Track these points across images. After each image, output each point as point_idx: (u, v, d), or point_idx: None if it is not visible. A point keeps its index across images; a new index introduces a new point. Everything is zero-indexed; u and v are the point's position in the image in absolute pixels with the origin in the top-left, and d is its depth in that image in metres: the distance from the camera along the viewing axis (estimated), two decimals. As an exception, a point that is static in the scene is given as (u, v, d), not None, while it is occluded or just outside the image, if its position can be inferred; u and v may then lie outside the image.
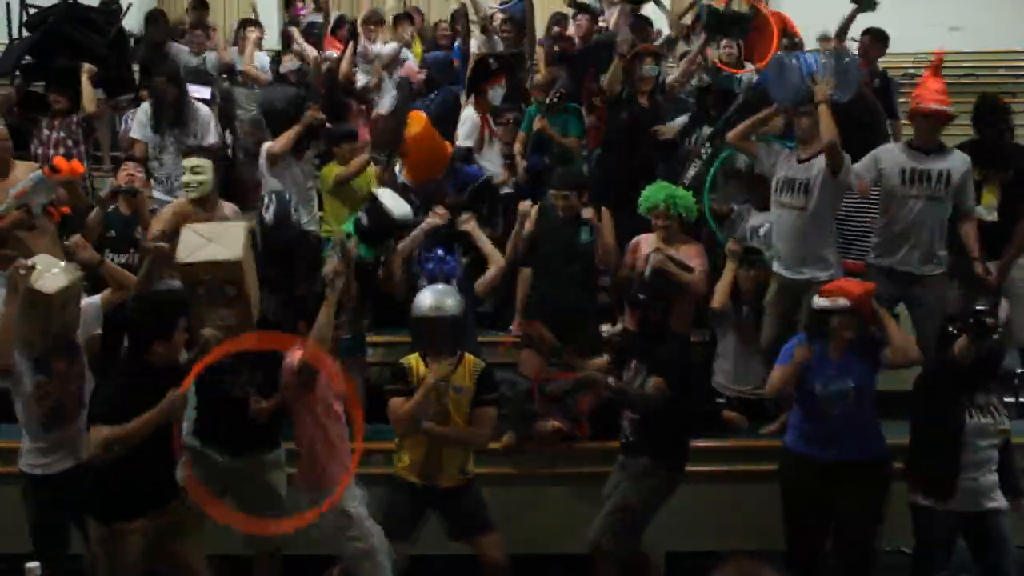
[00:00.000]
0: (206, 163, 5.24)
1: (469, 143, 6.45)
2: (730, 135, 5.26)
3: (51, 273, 4.03)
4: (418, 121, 6.20)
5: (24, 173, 5.01)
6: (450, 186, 6.24)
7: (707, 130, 6.06)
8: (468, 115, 6.59)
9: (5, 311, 4.18)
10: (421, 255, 5.35)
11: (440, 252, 5.27)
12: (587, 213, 5.22)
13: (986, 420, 4.21)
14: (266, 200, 5.13)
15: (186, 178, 5.20)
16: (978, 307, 4.27)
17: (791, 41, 7.47)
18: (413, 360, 4.41)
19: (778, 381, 4.33)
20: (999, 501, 4.25)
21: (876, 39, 7.47)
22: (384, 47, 8.15)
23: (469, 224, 5.39)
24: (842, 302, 4.18)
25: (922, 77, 5.21)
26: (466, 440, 4.38)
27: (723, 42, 7.63)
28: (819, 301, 4.27)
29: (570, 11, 7.91)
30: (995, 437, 4.23)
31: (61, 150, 6.30)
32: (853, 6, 7.13)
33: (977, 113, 5.48)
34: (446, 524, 4.48)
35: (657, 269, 4.97)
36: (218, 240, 4.08)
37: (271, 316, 4.40)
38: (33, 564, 3.27)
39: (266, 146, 6.05)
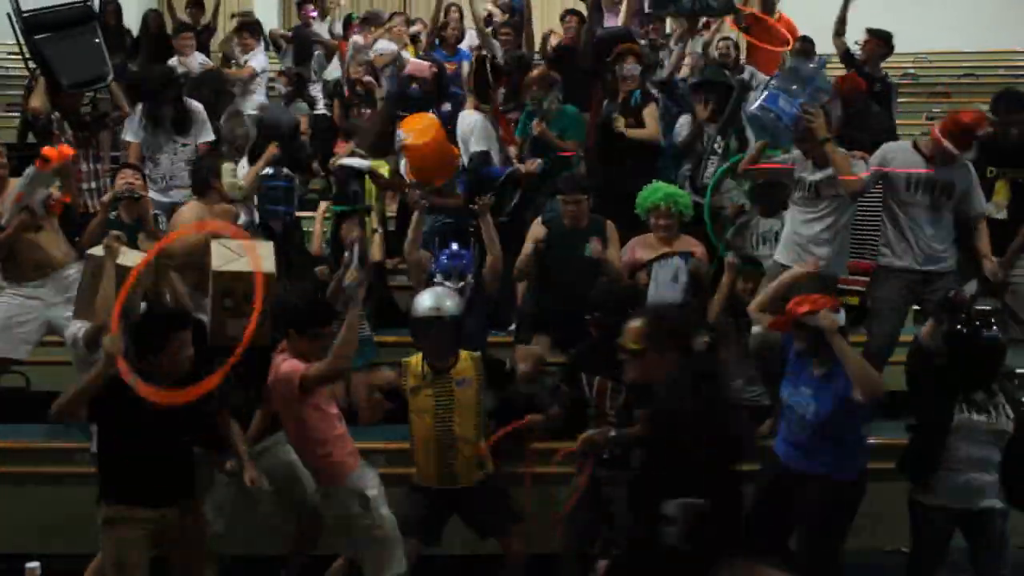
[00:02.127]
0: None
1: (484, 147, 6.31)
2: (740, 168, 5.24)
3: (128, 253, 4.34)
4: (430, 128, 6.18)
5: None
6: (461, 185, 6.21)
7: (711, 126, 6.07)
8: (474, 120, 6.45)
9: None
10: (435, 250, 5.34)
11: (454, 247, 5.25)
12: (596, 248, 5.21)
13: (979, 418, 4.14)
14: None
15: (238, 180, 5.24)
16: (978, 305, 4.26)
17: (802, 45, 7.48)
18: (414, 360, 4.41)
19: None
20: (995, 502, 4.20)
21: (879, 39, 7.45)
22: (382, 47, 8.16)
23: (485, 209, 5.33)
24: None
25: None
26: None
27: (718, 39, 7.67)
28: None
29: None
30: (990, 436, 4.16)
31: (88, 149, 6.27)
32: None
33: (996, 107, 5.37)
34: (472, 526, 4.49)
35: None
36: (249, 254, 4.23)
37: None
38: (33, 564, 3.27)
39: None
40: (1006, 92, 5.67)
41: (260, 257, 4.22)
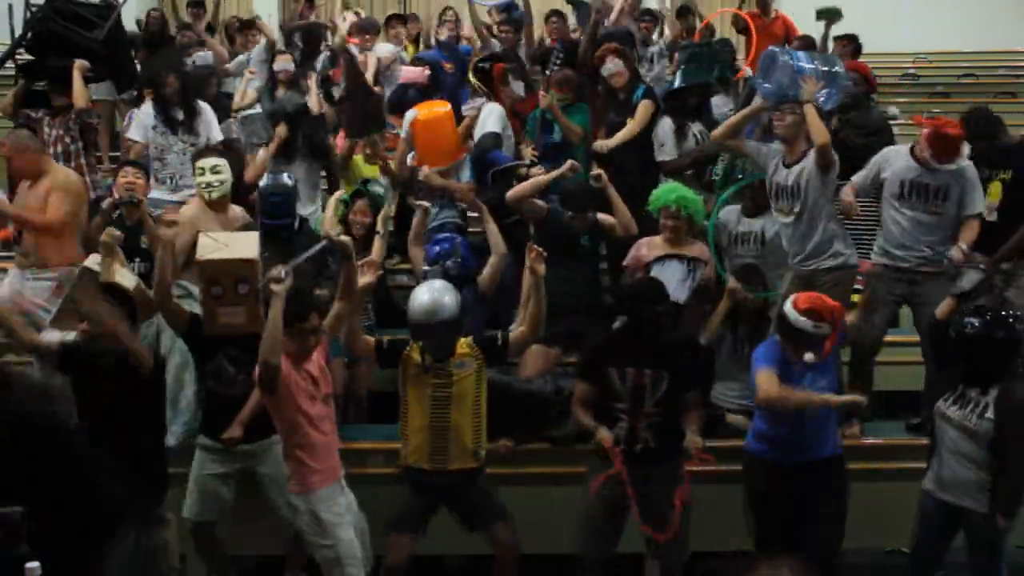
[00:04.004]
0: (223, 162, 5.32)
1: (497, 129, 6.23)
2: (714, 134, 5.20)
3: (123, 271, 4.32)
4: (440, 107, 6.19)
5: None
6: (468, 170, 6.20)
7: (697, 126, 6.05)
8: (493, 107, 6.40)
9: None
10: (430, 237, 5.36)
11: (447, 234, 5.27)
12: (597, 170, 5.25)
13: (957, 412, 4.10)
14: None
15: (207, 178, 5.21)
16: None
17: (801, 43, 7.48)
18: (413, 350, 4.38)
19: (776, 392, 4.14)
20: (977, 504, 4.09)
21: (844, 40, 7.47)
22: (381, 49, 8.17)
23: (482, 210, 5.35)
24: (825, 329, 4.15)
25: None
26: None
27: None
28: (799, 319, 4.17)
29: (567, 10, 7.94)
30: (959, 431, 4.08)
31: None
32: (824, 20, 7.16)
33: (966, 125, 5.27)
34: (457, 515, 4.47)
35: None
36: (233, 244, 4.26)
37: None
38: (33, 564, 3.27)
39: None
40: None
41: (243, 245, 4.25)
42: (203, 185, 5.24)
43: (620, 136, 6.01)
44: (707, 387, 5.17)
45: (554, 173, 5.38)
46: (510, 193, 5.39)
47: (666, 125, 6.10)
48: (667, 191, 5.28)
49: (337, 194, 5.72)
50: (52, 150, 6.27)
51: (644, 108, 6.10)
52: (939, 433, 4.17)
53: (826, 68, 5.07)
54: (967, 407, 4.10)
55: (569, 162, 5.39)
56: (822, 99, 5.03)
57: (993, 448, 4.04)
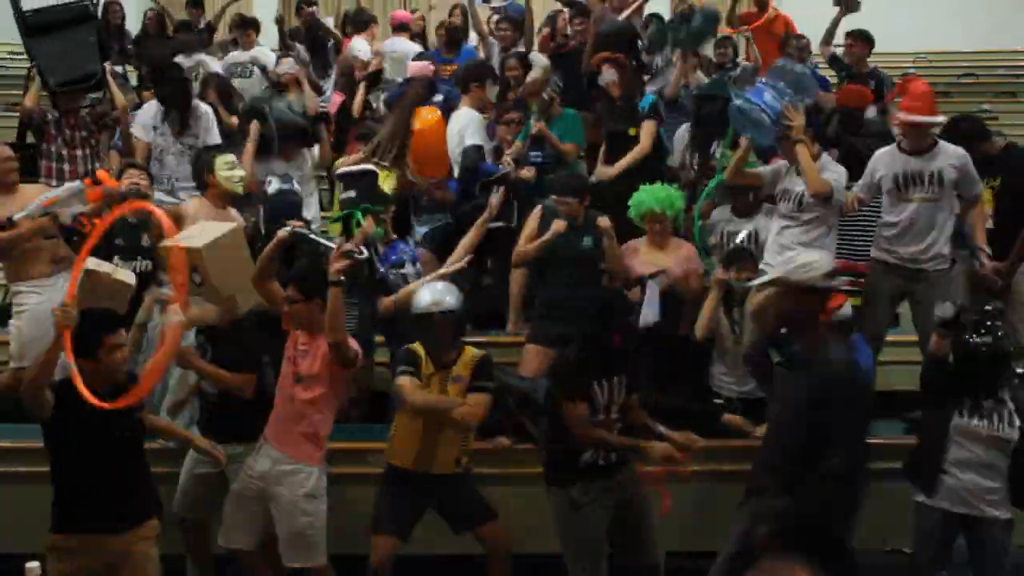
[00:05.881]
0: (233, 157, 5.48)
1: (478, 141, 6.25)
2: (726, 177, 5.23)
3: (119, 270, 4.50)
4: (432, 114, 6.18)
5: (33, 195, 5.07)
6: (454, 185, 6.18)
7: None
8: (469, 116, 6.39)
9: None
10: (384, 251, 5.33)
11: (400, 244, 5.34)
12: (603, 222, 5.19)
13: (978, 423, 4.16)
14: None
15: (236, 172, 5.35)
16: (978, 309, 4.27)
17: (798, 42, 7.49)
18: (420, 347, 4.40)
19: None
20: (998, 511, 4.19)
21: (861, 40, 7.49)
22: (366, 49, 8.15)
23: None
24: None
25: (902, 85, 5.19)
26: (452, 414, 4.29)
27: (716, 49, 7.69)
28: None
29: (564, 10, 7.92)
30: (991, 442, 4.16)
31: (87, 149, 6.28)
32: (837, 8, 7.13)
33: (949, 137, 5.28)
34: (443, 516, 4.48)
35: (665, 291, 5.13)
36: (200, 234, 4.33)
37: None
38: (33, 564, 3.27)
39: None
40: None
41: (202, 236, 4.30)
42: (235, 179, 5.34)
43: (623, 163, 6.03)
44: (701, 375, 5.23)
45: (547, 237, 5.22)
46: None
47: (681, 131, 6.15)
48: (648, 196, 5.29)
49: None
50: (80, 151, 6.24)
51: (648, 129, 6.13)
52: (952, 450, 4.19)
53: (793, 85, 5.00)
54: (990, 418, 4.16)
55: (555, 223, 5.22)
56: (802, 102, 5.05)
57: (1015, 452, 4.14)
